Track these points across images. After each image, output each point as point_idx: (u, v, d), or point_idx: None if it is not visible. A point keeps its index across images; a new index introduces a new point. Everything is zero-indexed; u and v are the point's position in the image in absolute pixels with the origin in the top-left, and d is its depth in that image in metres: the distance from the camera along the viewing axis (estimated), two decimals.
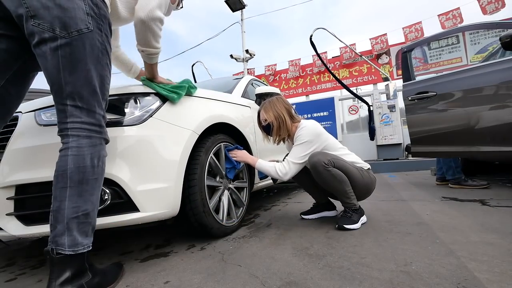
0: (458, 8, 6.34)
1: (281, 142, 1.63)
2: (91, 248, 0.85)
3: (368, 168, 1.54)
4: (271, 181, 1.98)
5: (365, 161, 1.57)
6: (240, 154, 1.50)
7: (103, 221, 0.97)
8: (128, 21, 1.15)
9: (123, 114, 1.09)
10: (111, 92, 1.10)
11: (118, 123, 1.06)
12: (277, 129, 1.50)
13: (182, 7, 1.34)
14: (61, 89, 0.83)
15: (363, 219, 1.46)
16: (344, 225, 1.36)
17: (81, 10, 0.83)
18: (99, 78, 0.89)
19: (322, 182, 1.44)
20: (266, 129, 1.57)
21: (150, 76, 1.22)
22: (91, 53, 0.86)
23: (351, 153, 1.57)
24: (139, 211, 1.01)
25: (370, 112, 5.30)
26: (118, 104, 1.10)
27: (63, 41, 0.81)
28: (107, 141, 0.93)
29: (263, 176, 1.66)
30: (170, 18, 1.27)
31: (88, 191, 0.83)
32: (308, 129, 1.44)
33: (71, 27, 0.81)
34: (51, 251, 0.78)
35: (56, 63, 0.82)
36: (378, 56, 7.43)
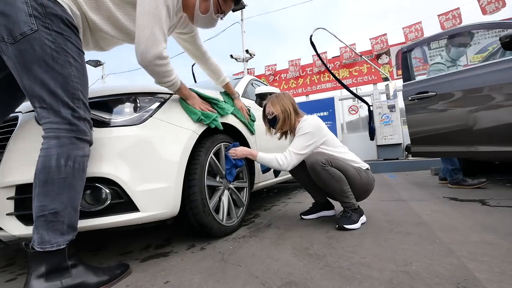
0: (458, 9, 6.34)
1: (283, 137, 1.69)
2: (65, 246, 0.84)
3: (367, 168, 1.54)
4: (271, 180, 1.98)
5: (365, 161, 1.57)
6: (239, 150, 1.49)
7: (103, 221, 0.97)
8: (121, 38, 1.09)
9: (123, 114, 1.08)
10: (111, 92, 1.10)
11: (118, 123, 1.05)
12: (282, 122, 1.56)
13: (224, 16, 1.27)
14: (28, 93, 0.85)
15: (363, 218, 1.46)
16: (344, 226, 1.36)
17: (23, 13, 0.82)
18: (60, 77, 0.86)
19: (320, 182, 1.45)
20: (272, 122, 1.62)
21: (184, 98, 1.27)
22: (43, 53, 0.84)
23: (350, 152, 1.57)
24: (139, 211, 1.01)
25: (370, 112, 5.29)
26: (118, 104, 1.10)
27: (13, 47, 0.82)
28: (86, 141, 0.91)
29: (266, 168, 1.69)
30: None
31: (54, 190, 0.83)
32: (310, 121, 1.51)
33: (15, 31, 0.81)
34: (27, 245, 0.83)
35: (15, 69, 0.84)
36: (378, 56, 7.42)
